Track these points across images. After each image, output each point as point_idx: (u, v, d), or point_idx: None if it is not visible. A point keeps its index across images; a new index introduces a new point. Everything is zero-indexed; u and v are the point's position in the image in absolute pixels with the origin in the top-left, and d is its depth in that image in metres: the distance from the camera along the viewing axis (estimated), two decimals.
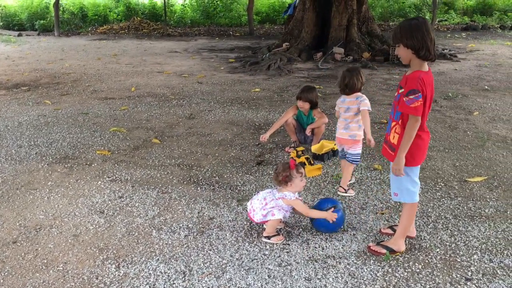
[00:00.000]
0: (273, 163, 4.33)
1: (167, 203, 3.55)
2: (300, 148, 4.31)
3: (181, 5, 21.83)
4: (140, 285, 2.56)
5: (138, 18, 19.85)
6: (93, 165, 4.35)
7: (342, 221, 3.05)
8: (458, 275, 2.61)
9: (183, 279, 2.61)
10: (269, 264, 2.73)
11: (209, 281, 2.59)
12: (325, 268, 2.68)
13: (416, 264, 2.72)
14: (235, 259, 2.79)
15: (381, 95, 7.01)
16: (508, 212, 3.34)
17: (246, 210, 3.17)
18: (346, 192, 3.64)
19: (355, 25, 10.99)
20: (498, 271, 2.65)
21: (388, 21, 19.90)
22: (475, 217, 3.26)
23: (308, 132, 4.50)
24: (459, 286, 2.52)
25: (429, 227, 3.14)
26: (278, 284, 2.55)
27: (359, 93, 3.62)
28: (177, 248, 2.92)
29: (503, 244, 2.92)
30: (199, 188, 3.82)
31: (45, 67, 10.12)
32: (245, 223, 3.22)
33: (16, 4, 21.11)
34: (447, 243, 2.93)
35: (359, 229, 3.12)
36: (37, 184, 3.93)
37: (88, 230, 3.17)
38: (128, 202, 3.58)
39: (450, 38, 14.40)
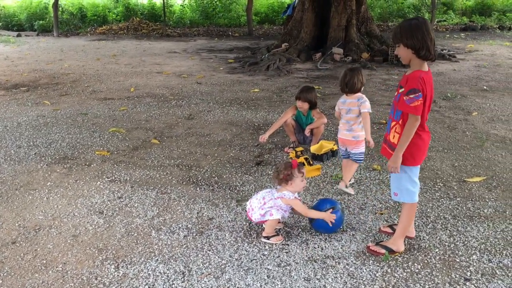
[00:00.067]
0: (272, 164, 4.33)
1: (166, 204, 3.55)
2: (299, 149, 4.31)
3: (180, 5, 21.84)
4: (139, 286, 2.56)
5: (137, 19, 19.84)
6: (92, 165, 4.35)
7: (341, 222, 3.06)
8: (457, 275, 2.61)
9: (182, 279, 2.61)
10: (268, 265, 2.73)
11: (208, 281, 2.59)
12: (324, 269, 2.68)
13: (415, 264, 2.72)
14: (234, 259, 2.79)
15: (380, 96, 7.02)
16: (507, 212, 3.34)
17: (245, 210, 3.17)
18: (346, 188, 3.64)
19: (354, 26, 11.00)
20: (497, 271, 2.65)
21: (387, 21, 19.93)
22: (474, 217, 3.27)
23: (307, 132, 4.51)
24: (458, 286, 2.52)
25: (428, 227, 3.15)
26: (277, 285, 2.55)
27: (360, 94, 3.63)
28: (176, 248, 2.92)
29: (502, 244, 2.92)
30: (198, 189, 3.82)
31: (44, 67, 10.11)
32: (244, 223, 3.22)
33: (15, 4, 21.13)
34: (446, 243, 2.94)
35: (358, 230, 3.12)
36: (36, 185, 3.92)
37: (87, 230, 3.16)
38: (127, 202, 3.58)
39: (449, 39, 14.42)
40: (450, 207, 3.44)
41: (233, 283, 2.57)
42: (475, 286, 2.52)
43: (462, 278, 2.59)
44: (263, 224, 3.03)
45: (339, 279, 2.59)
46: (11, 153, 4.69)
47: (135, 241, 3.02)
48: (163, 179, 4.03)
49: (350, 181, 3.79)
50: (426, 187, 3.77)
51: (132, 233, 3.11)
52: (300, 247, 2.91)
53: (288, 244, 2.94)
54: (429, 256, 2.80)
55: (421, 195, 3.55)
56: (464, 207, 3.42)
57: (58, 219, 3.32)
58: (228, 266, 2.72)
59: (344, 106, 3.67)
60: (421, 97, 2.49)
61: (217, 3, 20.84)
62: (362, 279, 2.58)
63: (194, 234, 3.09)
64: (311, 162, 4.11)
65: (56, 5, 17.07)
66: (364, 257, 2.80)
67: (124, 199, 3.64)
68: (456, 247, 2.90)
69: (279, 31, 16.87)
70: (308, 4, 11.17)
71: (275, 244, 2.94)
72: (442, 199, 3.56)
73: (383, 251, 2.79)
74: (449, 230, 3.10)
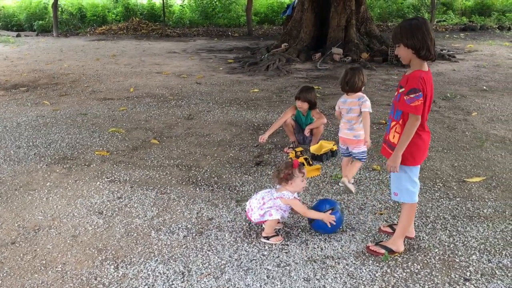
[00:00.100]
0: (272, 164, 4.33)
1: (166, 204, 3.55)
2: (299, 149, 4.31)
3: (180, 5, 21.83)
4: (139, 286, 2.56)
5: (137, 19, 19.83)
6: (91, 165, 4.35)
7: (341, 222, 3.06)
8: (457, 276, 2.61)
9: (182, 279, 2.61)
10: (268, 265, 2.73)
11: (208, 281, 2.59)
12: (324, 269, 2.68)
13: (415, 264, 2.72)
14: (234, 259, 2.79)
15: (380, 96, 7.02)
16: (507, 212, 3.34)
17: (245, 211, 3.17)
18: (349, 183, 3.62)
19: (353, 26, 11.00)
20: (496, 271, 2.65)
21: (387, 21, 19.93)
22: (473, 218, 3.27)
23: (306, 132, 4.50)
24: (457, 287, 2.52)
25: (427, 227, 3.15)
26: (277, 285, 2.55)
27: (360, 94, 3.63)
28: (176, 248, 2.92)
29: (502, 244, 2.93)
30: (198, 189, 3.82)
31: (44, 67, 10.11)
32: (244, 223, 3.22)
33: (15, 4, 21.12)
34: (446, 244, 2.94)
35: (358, 230, 3.12)
36: (36, 185, 3.92)
37: (87, 230, 3.16)
38: (127, 202, 3.58)
39: (448, 39, 14.42)
40: (449, 207, 3.44)
41: (232, 283, 2.56)
42: (474, 286, 2.52)
43: (462, 278, 2.59)
44: (263, 224, 3.03)
45: (339, 279, 2.59)
46: (10, 153, 4.69)
47: (135, 241, 3.02)
48: (162, 179, 4.03)
49: (350, 181, 3.79)
50: (425, 187, 3.77)
51: (132, 233, 3.11)
52: (299, 247, 2.91)
53: (287, 244, 2.94)
54: (428, 256, 2.80)
55: (420, 195, 3.55)
56: (464, 207, 3.42)
57: (57, 220, 3.32)
58: (228, 266, 2.72)
59: (345, 106, 3.67)
60: (422, 96, 2.49)
61: (217, 3, 20.83)
62: (361, 279, 2.58)
63: (194, 234, 3.09)
64: (311, 162, 4.11)
65: (55, 5, 17.06)
66: (363, 257, 2.80)
67: (124, 199, 3.64)
68: (455, 247, 2.90)
69: (279, 31, 16.86)
70: (308, 4, 11.18)
71: (275, 244, 2.94)
72: (442, 199, 3.56)
73: (383, 251, 2.79)
74: (448, 230, 3.10)
